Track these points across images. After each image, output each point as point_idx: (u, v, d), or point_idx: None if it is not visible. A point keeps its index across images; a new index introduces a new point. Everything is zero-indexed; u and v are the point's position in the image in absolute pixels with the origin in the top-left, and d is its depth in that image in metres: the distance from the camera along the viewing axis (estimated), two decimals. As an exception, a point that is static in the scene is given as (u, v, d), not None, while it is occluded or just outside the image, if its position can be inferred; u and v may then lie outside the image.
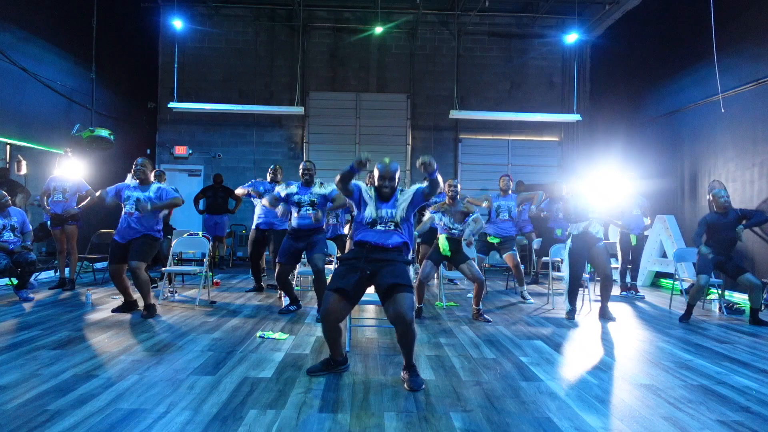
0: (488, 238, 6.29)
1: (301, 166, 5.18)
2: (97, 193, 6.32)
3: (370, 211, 3.22)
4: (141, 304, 5.27)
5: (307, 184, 5.12)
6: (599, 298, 5.36)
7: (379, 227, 3.20)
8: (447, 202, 5.25)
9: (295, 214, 5.07)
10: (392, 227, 3.21)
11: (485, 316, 5.05)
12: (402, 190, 3.34)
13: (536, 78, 11.38)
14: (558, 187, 7.46)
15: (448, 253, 5.07)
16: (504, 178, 6.48)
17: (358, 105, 11.17)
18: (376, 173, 3.28)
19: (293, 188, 5.10)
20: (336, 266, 3.32)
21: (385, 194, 3.26)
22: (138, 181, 4.91)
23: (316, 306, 5.05)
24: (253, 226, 6.34)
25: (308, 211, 5.02)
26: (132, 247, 4.77)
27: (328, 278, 5.13)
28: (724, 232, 5.22)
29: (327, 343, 3.20)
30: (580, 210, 5.22)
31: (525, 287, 6.38)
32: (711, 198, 5.46)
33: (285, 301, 5.33)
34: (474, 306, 5.10)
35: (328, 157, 10.76)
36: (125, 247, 4.80)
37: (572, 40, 10.11)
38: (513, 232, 6.38)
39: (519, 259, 6.35)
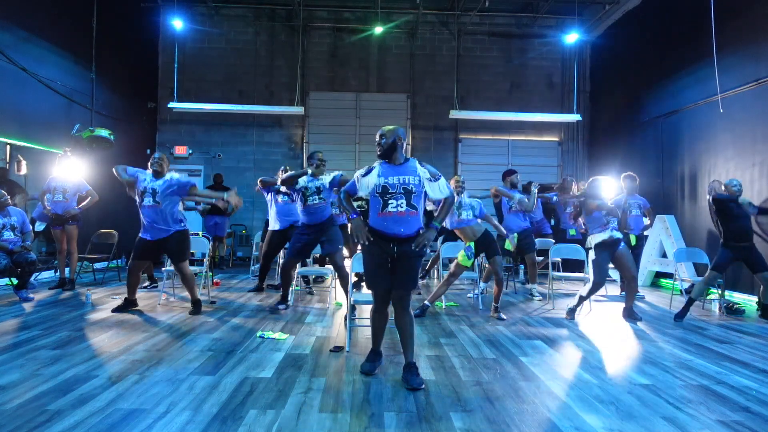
0: (505, 245, 6.28)
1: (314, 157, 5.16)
2: (82, 204, 6.38)
3: (376, 181, 3.13)
4: (141, 303, 5.29)
5: (315, 176, 5.10)
6: (600, 298, 5.35)
7: (390, 208, 3.08)
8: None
9: (300, 206, 5.07)
10: (404, 205, 3.08)
11: (502, 314, 5.12)
12: (423, 166, 3.24)
13: (536, 78, 11.37)
14: (568, 184, 7.39)
15: (471, 258, 5.07)
16: (514, 175, 6.52)
17: (358, 105, 11.17)
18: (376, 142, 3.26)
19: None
20: (363, 257, 3.29)
21: (385, 154, 3.17)
22: (153, 173, 4.91)
23: (316, 305, 5.05)
24: (271, 228, 6.13)
25: (315, 201, 5.01)
26: (170, 251, 4.92)
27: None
28: (740, 220, 5.19)
29: (375, 335, 3.33)
30: (604, 214, 5.10)
31: (536, 285, 6.47)
32: (723, 188, 5.43)
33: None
34: (494, 303, 5.22)
35: (328, 157, 10.59)
36: (156, 247, 4.91)
37: (572, 40, 10.10)
38: (527, 224, 6.40)
39: (535, 258, 6.49)
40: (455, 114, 10.24)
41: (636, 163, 8.74)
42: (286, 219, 6.04)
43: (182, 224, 5.02)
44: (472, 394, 2.89)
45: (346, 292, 5.04)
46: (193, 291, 5.07)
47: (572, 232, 7.28)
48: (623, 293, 6.79)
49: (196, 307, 5.02)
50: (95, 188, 6.64)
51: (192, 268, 6.11)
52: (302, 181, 5.02)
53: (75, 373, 3.08)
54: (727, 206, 5.22)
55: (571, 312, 5.17)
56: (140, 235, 4.95)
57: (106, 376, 3.05)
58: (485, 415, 2.60)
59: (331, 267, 6.19)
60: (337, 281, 6.26)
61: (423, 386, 2.98)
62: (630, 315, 5.14)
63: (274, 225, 6.13)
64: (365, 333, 4.35)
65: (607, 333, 4.62)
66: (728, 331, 4.77)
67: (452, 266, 5.27)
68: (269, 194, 6.17)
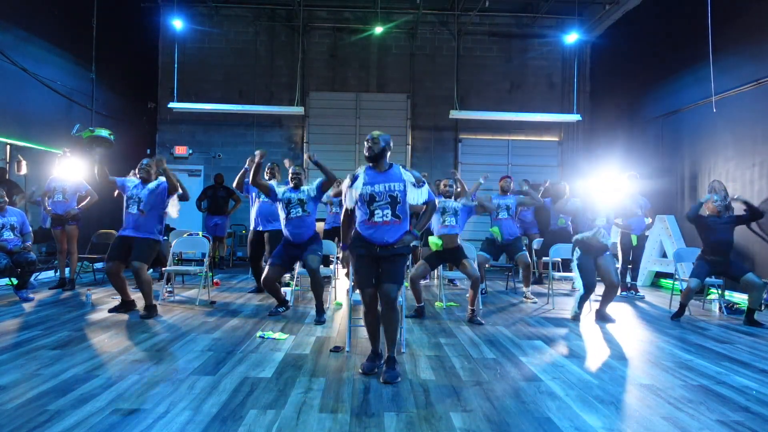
0: (495, 238, 6.28)
1: (290, 171, 5.07)
2: (82, 204, 6.36)
3: (362, 190, 3.21)
4: (139, 304, 5.27)
5: (296, 188, 5.03)
6: (601, 299, 5.31)
7: (377, 218, 3.16)
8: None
9: (284, 219, 4.97)
10: (389, 215, 3.17)
11: (479, 318, 4.97)
12: (407, 170, 3.32)
13: (536, 78, 11.37)
14: (561, 187, 7.38)
15: (441, 248, 4.90)
16: (506, 179, 6.49)
17: (358, 105, 11.17)
18: (365, 146, 3.30)
19: (282, 186, 5.04)
20: (352, 263, 3.36)
21: (374, 158, 3.24)
22: (141, 180, 4.95)
23: (315, 307, 5.02)
24: (251, 227, 6.23)
25: (298, 213, 4.91)
26: (134, 249, 4.80)
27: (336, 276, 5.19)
28: (719, 234, 5.20)
29: (371, 335, 3.36)
30: (588, 216, 5.07)
31: (530, 288, 6.43)
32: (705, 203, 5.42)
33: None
34: (469, 306, 5.06)
35: (328, 157, 10.67)
36: (127, 245, 4.81)
37: (572, 40, 10.11)
38: (517, 231, 6.38)
39: (529, 260, 6.42)
40: (455, 114, 10.23)
41: (636, 163, 8.73)
42: (266, 222, 5.98)
43: (159, 233, 4.96)
44: (472, 394, 2.89)
45: (319, 298, 4.92)
46: (149, 296, 4.87)
47: (561, 221, 7.29)
48: (623, 293, 6.81)
49: (150, 311, 4.83)
50: (94, 188, 6.63)
51: (192, 268, 6.15)
52: (283, 192, 4.97)
53: (75, 373, 3.07)
54: (702, 222, 5.30)
55: (577, 316, 5.17)
56: (118, 233, 4.92)
57: (106, 376, 3.05)
58: (485, 415, 2.60)
59: (332, 267, 6.21)
60: (337, 281, 6.28)
61: (398, 379, 3.08)
62: (602, 318, 5.07)
63: (254, 224, 6.13)
64: (365, 333, 4.34)
65: (607, 333, 4.62)
66: (728, 331, 4.77)
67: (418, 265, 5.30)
68: (252, 192, 6.17)
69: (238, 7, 10.98)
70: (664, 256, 7.72)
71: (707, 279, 5.60)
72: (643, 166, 8.51)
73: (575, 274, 5.20)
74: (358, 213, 3.28)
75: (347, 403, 2.71)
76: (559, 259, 6.67)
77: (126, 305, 4.99)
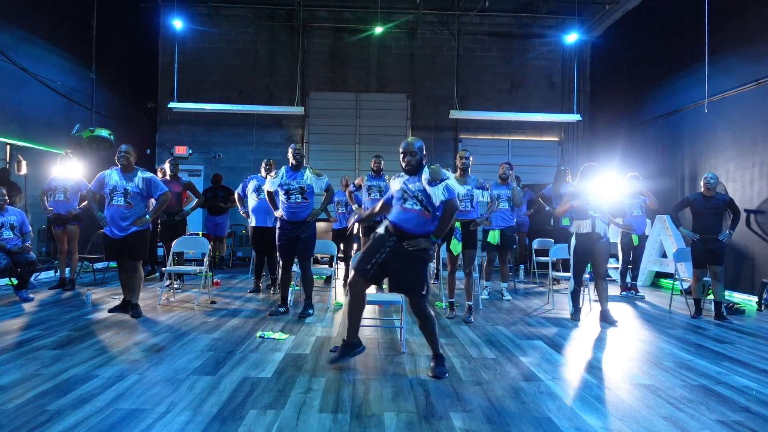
0: (488, 238, 6.24)
1: (291, 148, 4.98)
2: (83, 203, 6.19)
3: (402, 186, 3.32)
4: (141, 303, 5.25)
5: (297, 167, 4.92)
6: (599, 299, 5.32)
7: (407, 204, 3.24)
8: (458, 174, 5.26)
9: (284, 201, 4.88)
10: (418, 205, 3.21)
11: (468, 316, 4.96)
12: (428, 168, 3.34)
13: (536, 78, 11.38)
14: (563, 174, 7.29)
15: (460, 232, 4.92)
16: (503, 166, 6.28)
17: (358, 105, 11.17)
18: (401, 156, 3.36)
19: (278, 175, 4.91)
20: (365, 244, 3.42)
21: (409, 170, 3.33)
22: (120, 167, 4.76)
23: (317, 305, 5.03)
24: (251, 224, 6.20)
25: (297, 200, 4.85)
26: (127, 248, 4.75)
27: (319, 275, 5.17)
28: (707, 217, 5.32)
29: (349, 318, 3.36)
30: (582, 207, 5.10)
31: (507, 284, 6.48)
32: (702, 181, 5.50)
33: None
34: (467, 301, 5.05)
35: (328, 157, 10.76)
36: (119, 244, 4.75)
37: (572, 40, 10.11)
38: (512, 221, 6.32)
39: (507, 257, 6.53)
40: (455, 114, 10.24)
41: (636, 163, 8.74)
42: (264, 216, 5.99)
43: (145, 223, 4.85)
44: (472, 394, 2.89)
45: (309, 297, 4.97)
46: (138, 292, 4.88)
47: (566, 221, 7.24)
48: (623, 293, 6.81)
49: (136, 310, 4.83)
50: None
51: (192, 268, 6.14)
52: (281, 177, 4.88)
53: (75, 373, 3.08)
54: (690, 204, 5.46)
55: (576, 314, 5.16)
56: (104, 230, 4.82)
57: (106, 376, 3.05)
58: (485, 415, 2.60)
59: (333, 267, 6.22)
60: (337, 281, 6.28)
61: (446, 375, 3.18)
62: (605, 318, 5.01)
63: (251, 220, 6.14)
64: (365, 333, 4.35)
65: (607, 333, 4.62)
66: (728, 331, 4.77)
67: (447, 261, 5.21)
68: (250, 184, 6.20)
69: (238, 7, 10.98)
70: (664, 256, 7.72)
71: (707, 279, 5.61)
72: (642, 167, 8.50)
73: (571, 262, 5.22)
74: (394, 201, 3.37)
75: (347, 403, 2.71)
76: (554, 259, 6.66)
77: (126, 305, 4.97)
